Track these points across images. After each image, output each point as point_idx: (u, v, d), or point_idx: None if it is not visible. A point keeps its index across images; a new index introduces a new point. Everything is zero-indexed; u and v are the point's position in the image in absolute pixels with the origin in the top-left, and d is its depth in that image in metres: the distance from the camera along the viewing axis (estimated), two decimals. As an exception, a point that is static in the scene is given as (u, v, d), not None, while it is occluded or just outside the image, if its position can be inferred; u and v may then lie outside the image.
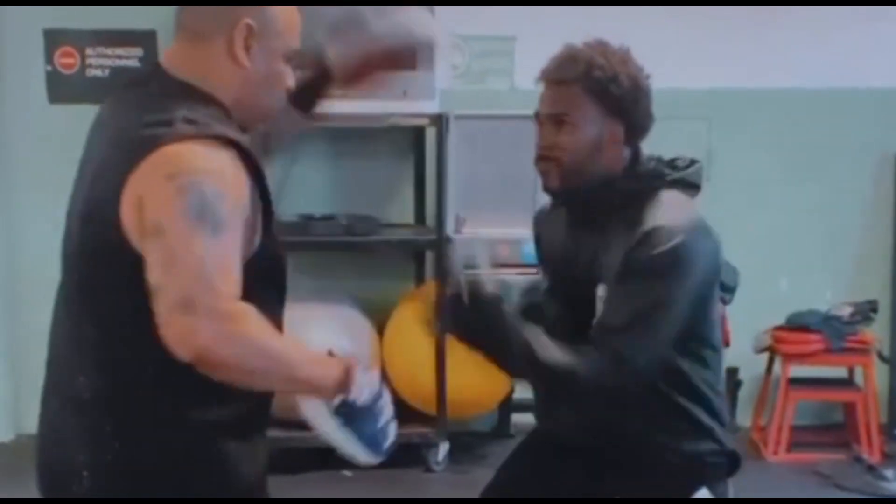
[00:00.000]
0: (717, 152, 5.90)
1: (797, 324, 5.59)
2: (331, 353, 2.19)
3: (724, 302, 4.97)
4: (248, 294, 2.02)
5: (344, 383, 2.11)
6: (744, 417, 5.97)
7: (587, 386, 2.54)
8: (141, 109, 2.12)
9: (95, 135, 2.28)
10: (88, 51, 5.69)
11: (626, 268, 2.54)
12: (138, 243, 2.01)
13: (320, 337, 5.00)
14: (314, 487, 5.02)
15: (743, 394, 5.96)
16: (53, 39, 5.67)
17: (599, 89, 2.61)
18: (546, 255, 2.91)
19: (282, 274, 2.27)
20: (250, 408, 2.20)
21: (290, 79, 2.27)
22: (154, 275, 1.97)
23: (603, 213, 2.66)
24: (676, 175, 2.72)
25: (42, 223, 5.71)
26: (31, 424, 6.25)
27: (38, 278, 5.80)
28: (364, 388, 2.14)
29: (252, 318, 2.00)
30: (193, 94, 2.14)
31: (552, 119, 2.65)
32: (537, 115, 2.70)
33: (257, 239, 2.12)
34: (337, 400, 2.11)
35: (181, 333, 1.93)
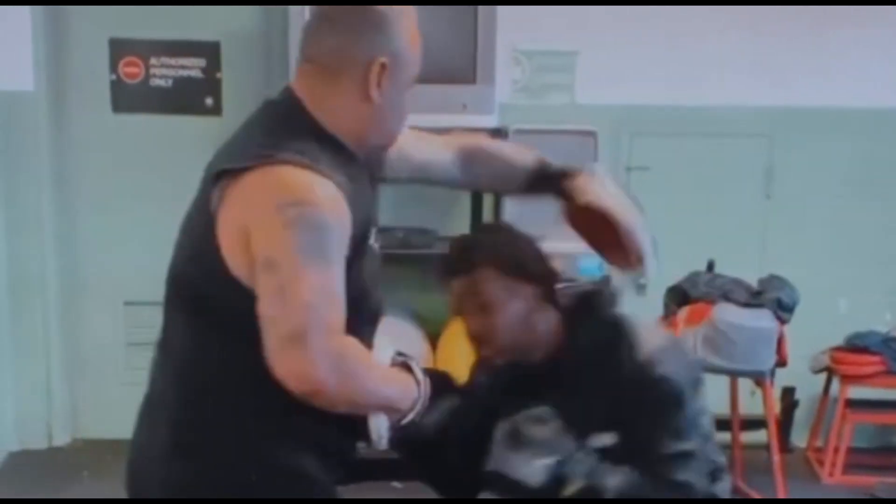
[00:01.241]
0: (777, 170, 5.87)
1: (856, 345, 5.53)
2: (402, 362, 2.27)
3: (783, 321, 4.93)
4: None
5: (416, 403, 2.20)
6: (800, 438, 5.92)
7: None
8: (259, 128, 2.17)
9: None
10: (152, 60, 5.74)
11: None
12: (240, 270, 2.05)
13: (378, 345, 5.04)
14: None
15: (799, 414, 5.91)
16: (118, 49, 5.73)
17: (502, 263, 2.57)
18: None
19: (369, 304, 2.29)
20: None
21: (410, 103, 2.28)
22: (265, 307, 2.00)
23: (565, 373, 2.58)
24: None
25: (104, 232, 5.79)
26: (87, 429, 6.31)
27: (97, 286, 5.89)
28: (422, 401, 2.24)
29: (359, 353, 2.10)
30: (311, 127, 2.15)
31: (473, 308, 2.58)
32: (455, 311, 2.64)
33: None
34: (406, 420, 2.20)
35: (294, 368, 1.98)
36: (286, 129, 2.14)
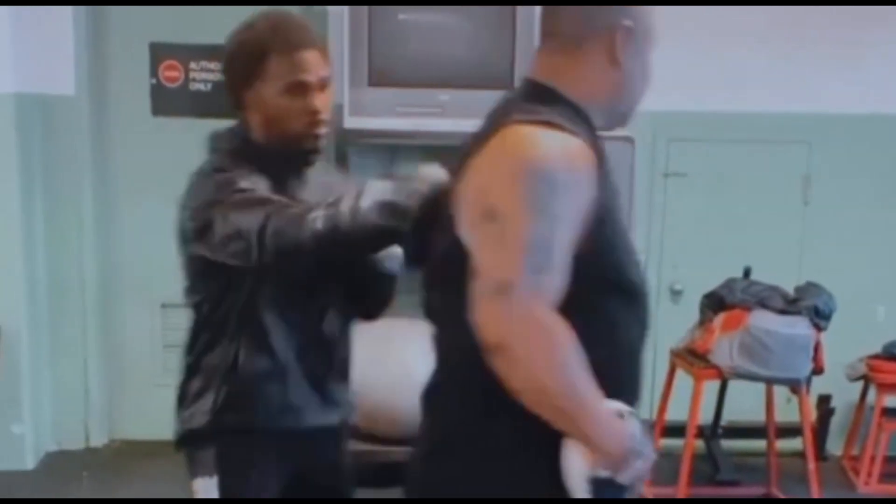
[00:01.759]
0: (815, 177, 5.85)
1: (894, 353, 5.50)
2: (620, 415, 1.99)
3: (819, 328, 4.91)
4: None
5: (618, 462, 1.97)
6: (835, 446, 5.90)
7: None
8: (495, 114, 2.11)
9: None
10: (192, 65, 5.78)
11: None
12: (467, 232, 1.98)
13: (411, 351, 5.03)
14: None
15: (835, 422, 5.89)
16: (158, 53, 5.77)
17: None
18: None
19: (634, 288, 2.10)
20: None
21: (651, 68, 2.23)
22: (480, 255, 1.92)
23: None
24: None
25: (142, 234, 5.82)
26: (124, 430, 6.32)
27: (135, 288, 5.93)
28: (634, 473, 2.00)
29: (569, 341, 1.89)
30: (550, 96, 2.10)
31: (323, 83, 2.64)
32: (303, 84, 2.63)
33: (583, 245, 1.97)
34: (602, 473, 1.97)
35: (494, 314, 1.86)
36: (535, 102, 2.09)
